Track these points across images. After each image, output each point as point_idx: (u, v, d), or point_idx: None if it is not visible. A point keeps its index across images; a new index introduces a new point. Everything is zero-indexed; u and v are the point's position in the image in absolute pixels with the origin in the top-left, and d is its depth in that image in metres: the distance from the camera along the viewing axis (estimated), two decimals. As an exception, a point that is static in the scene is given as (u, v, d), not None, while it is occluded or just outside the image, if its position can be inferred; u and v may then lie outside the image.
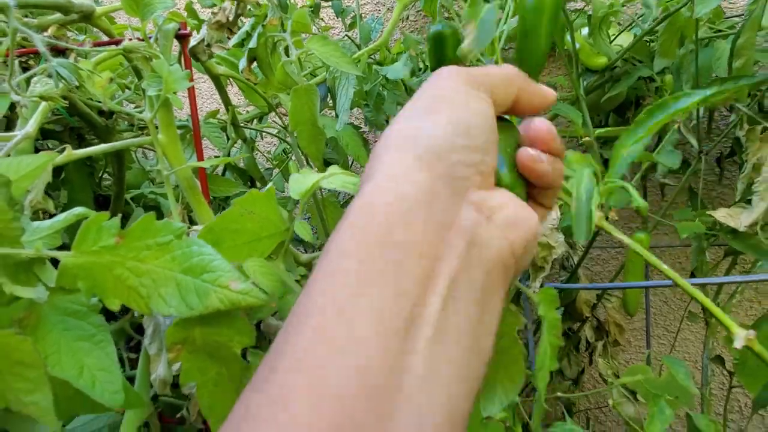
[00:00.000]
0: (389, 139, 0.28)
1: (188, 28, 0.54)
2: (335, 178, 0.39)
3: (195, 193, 0.51)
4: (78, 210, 0.37)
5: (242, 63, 0.51)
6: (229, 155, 0.79)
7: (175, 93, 0.48)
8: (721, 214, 0.56)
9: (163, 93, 0.47)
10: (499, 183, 0.31)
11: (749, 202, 0.56)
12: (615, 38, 0.80)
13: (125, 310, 0.60)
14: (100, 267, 0.32)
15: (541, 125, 0.33)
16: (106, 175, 0.88)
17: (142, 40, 0.50)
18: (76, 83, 0.39)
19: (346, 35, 1.08)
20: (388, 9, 1.29)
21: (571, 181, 0.45)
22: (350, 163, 1.16)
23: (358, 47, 1.07)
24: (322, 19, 1.19)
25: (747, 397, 1.07)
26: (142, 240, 0.33)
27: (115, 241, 0.32)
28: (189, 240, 0.33)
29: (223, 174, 0.90)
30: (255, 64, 0.59)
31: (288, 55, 0.52)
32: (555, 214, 0.63)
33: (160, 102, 0.47)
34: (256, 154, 1.14)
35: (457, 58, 0.71)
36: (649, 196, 1.03)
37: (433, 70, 0.73)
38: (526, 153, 0.32)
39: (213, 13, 0.46)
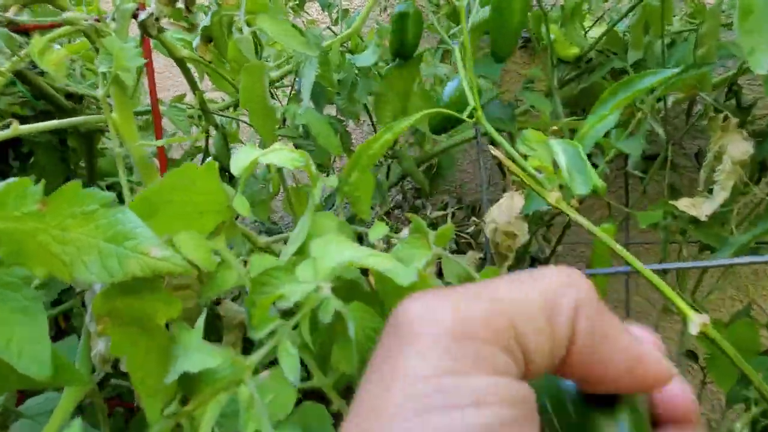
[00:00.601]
0: None
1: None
2: (276, 154, 0.38)
3: (149, 173, 0.51)
4: (12, 180, 0.36)
5: (196, 41, 0.51)
6: (207, 143, 0.79)
7: (128, 71, 0.48)
8: (684, 204, 0.56)
9: (113, 70, 0.47)
10: None
11: (712, 191, 0.56)
12: (590, 29, 0.80)
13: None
14: (23, 233, 0.32)
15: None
16: (83, 163, 0.88)
17: (99, 20, 0.50)
18: (7, 50, 0.38)
19: (329, 27, 1.08)
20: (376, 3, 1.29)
21: (532, 159, 0.45)
22: (332, 159, 1.16)
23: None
24: (307, 12, 1.19)
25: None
26: (67, 208, 0.32)
27: (38, 208, 0.32)
28: (114, 209, 0.32)
29: (202, 163, 0.89)
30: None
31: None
32: (519, 201, 0.62)
33: (110, 79, 0.47)
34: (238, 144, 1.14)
35: (416, 41, 0.71)
36: (631, 193, 1.03)
37: (393, 52, 0.74)
38: None
39: (164, -12, 0.45)
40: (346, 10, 1.20)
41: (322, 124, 0.75)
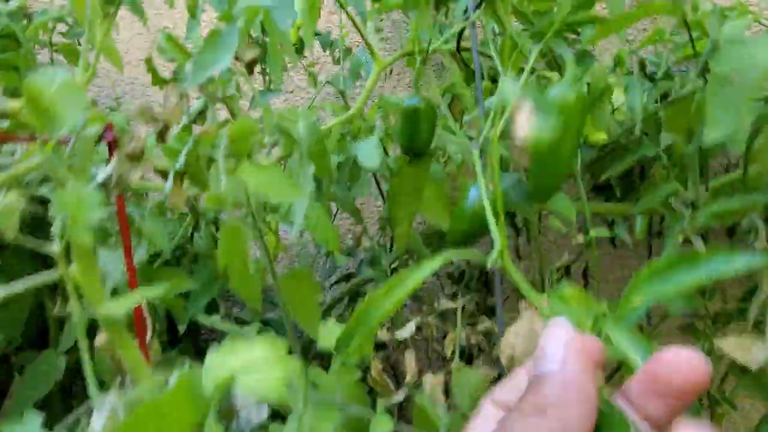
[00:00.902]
0: None
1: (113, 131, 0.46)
2: (253, 376, 0.32)
3: (123, 339, 0.44)
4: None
5: (167, 186, 0.43)
6: (191, 237, 0.72)
7: (88, 226, 0.41)
8: (730, 346, 0.48)
9: (69, 224, 0.40)
10: None
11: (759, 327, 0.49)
12: (618, 108, 0.72)
13: None
14: None
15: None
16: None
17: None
18: None
19: (328, 82, 1.00)
20: (382, 39, 1.21)
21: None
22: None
23: (342, 94, 1.00)
24: (305, 57, 1.11)
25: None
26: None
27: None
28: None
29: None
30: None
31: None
32: (539, 327, 0.55)
33: (68, 235, 0.40)
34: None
35: (430, 138, 0.64)
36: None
37: (404, 150, 0.66)
38: None
39: (127, 140, 0.38)
40: (349, 49, 1.12)
41: (319, 215, 0.68)
